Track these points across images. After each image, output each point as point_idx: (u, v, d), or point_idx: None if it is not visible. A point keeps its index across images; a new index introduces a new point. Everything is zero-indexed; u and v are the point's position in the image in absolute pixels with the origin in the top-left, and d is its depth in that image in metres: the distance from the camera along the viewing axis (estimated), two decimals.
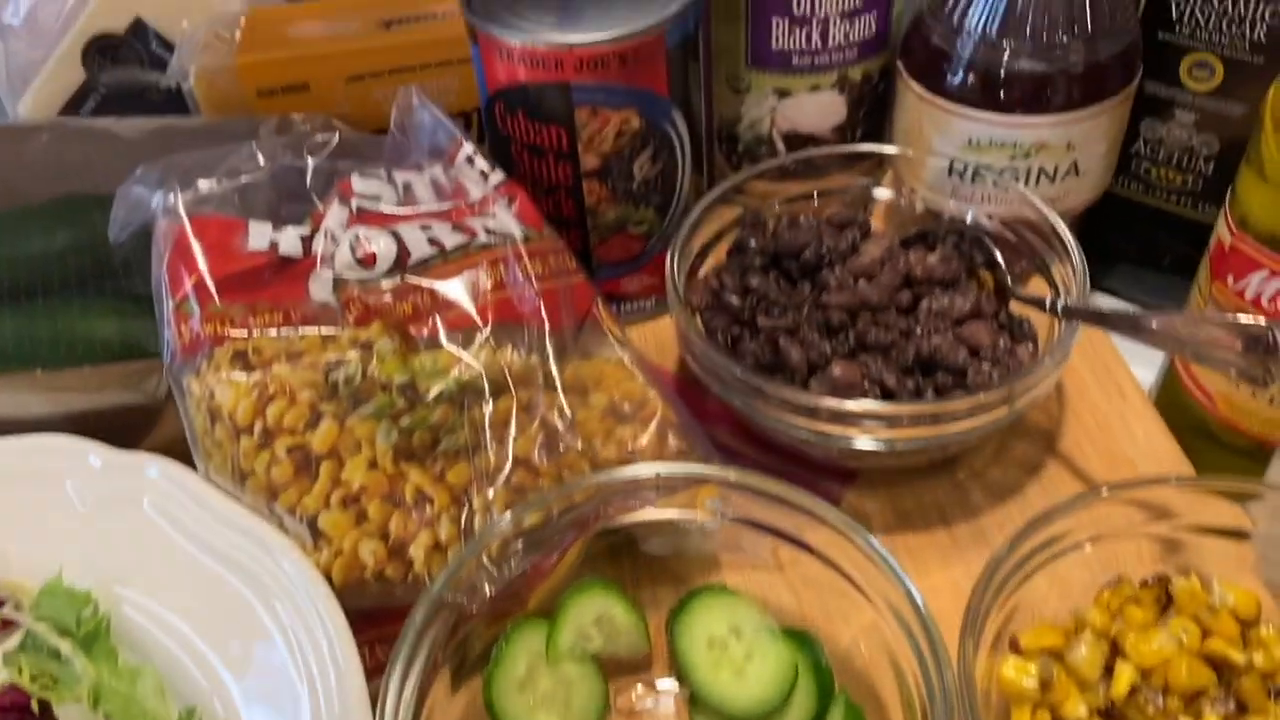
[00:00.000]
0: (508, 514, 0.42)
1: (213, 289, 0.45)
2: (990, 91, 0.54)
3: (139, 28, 0.63)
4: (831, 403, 0.46)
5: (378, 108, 0.60)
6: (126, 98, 0.64)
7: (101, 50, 0.63)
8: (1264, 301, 0.48)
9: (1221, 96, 0.57)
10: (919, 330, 0.51)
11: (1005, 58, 0.53)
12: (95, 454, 0.44)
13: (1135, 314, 0.45)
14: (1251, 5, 0.53)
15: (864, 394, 0.48)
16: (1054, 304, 0.49)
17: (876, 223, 0.59)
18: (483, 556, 0.41)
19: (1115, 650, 0.41)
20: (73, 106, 0.64)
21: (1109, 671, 0.41)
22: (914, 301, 0.53)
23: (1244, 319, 0.39)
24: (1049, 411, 0.55)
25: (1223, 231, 0.49)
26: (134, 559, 0.43)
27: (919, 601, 0.39)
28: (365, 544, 0.42)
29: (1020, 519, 0.50)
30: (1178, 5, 0.55)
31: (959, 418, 0.46)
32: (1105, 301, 0.64)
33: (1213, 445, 0.54)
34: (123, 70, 0.64)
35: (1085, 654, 0.41)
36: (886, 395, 0.49)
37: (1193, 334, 0.41)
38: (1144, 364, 0.58)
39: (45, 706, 0.39)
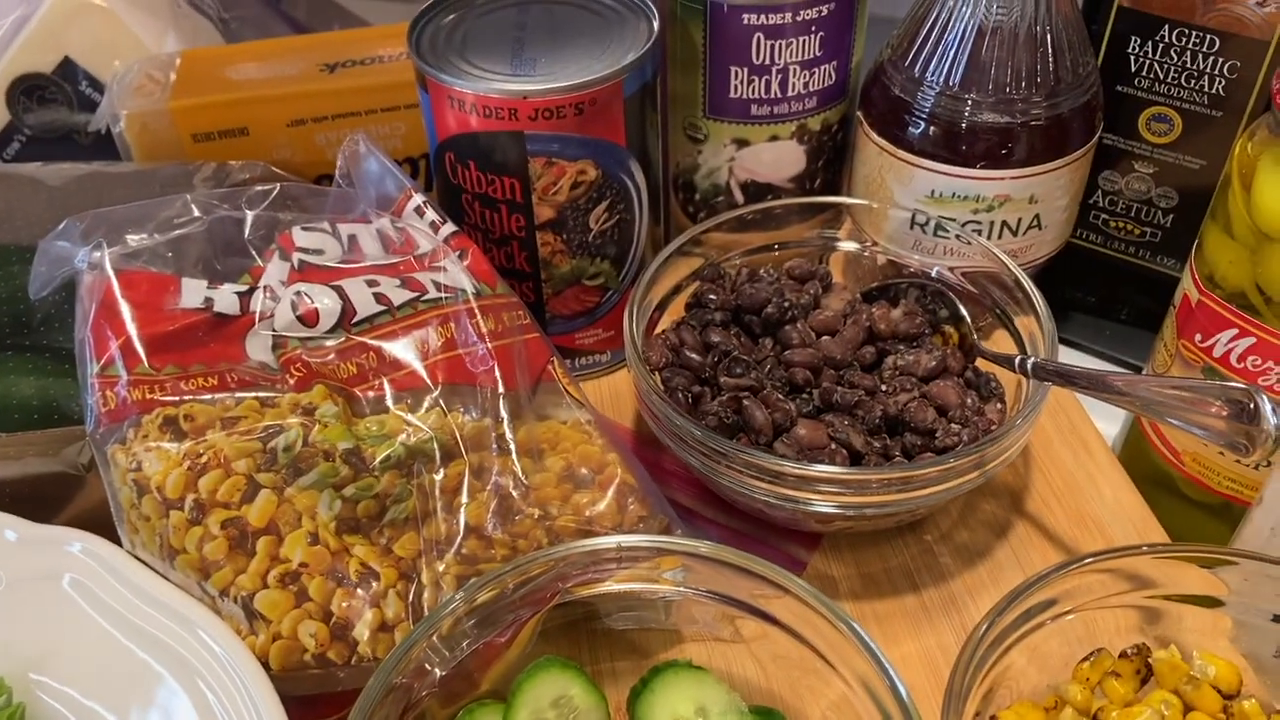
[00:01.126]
0: (460, 591, 0.39)
1: (141, 350, 0.43)
2: (952, 144, 0.53)
3: (67, 67, 0.61)
4: (797, 468, 0.44)
5: (320, 154, 0.59)
6: (52, 141, 0.62)
7: (27, 91, 0.61)
8: (1233, 360, 0.47)
9: (1180, 149, 0.57)
10: (884, 388, 0.50)
11: (967, 110, 0.52)
12: (11, 528, 0.42)
13: (1109, 376, 0.44)
14: (1210, 59, 0.53)
15: (830, 455, 0.47)
16: (1024, 363, 0.48)
17: (836, 274, 0.58)
18: (433, 637, 0.39)
19: None
20: None
21: None
22: (878, 357, 0.52)
23: (1229, 384, 0.38)
24: (1015, 469, 0.54)
25: (1189, 288, 0.49)
26: (52, 642, 0.40)
27: (893, 674, 0.38)
28: (306, 625, 0.40)
29: (990, 583, 0.49)
30: (1136, 58, 0.55)
31: (929, 483, 0.44)
32: (1063, 353, 0.63)
33: (1177, 499, 0.53)
34: (49, 112, 0.61)
35: None
36: (854, 456, 0.47)
37: (1172, 398, 0.40)
38: (1106, 417, 0.57)
39: None
